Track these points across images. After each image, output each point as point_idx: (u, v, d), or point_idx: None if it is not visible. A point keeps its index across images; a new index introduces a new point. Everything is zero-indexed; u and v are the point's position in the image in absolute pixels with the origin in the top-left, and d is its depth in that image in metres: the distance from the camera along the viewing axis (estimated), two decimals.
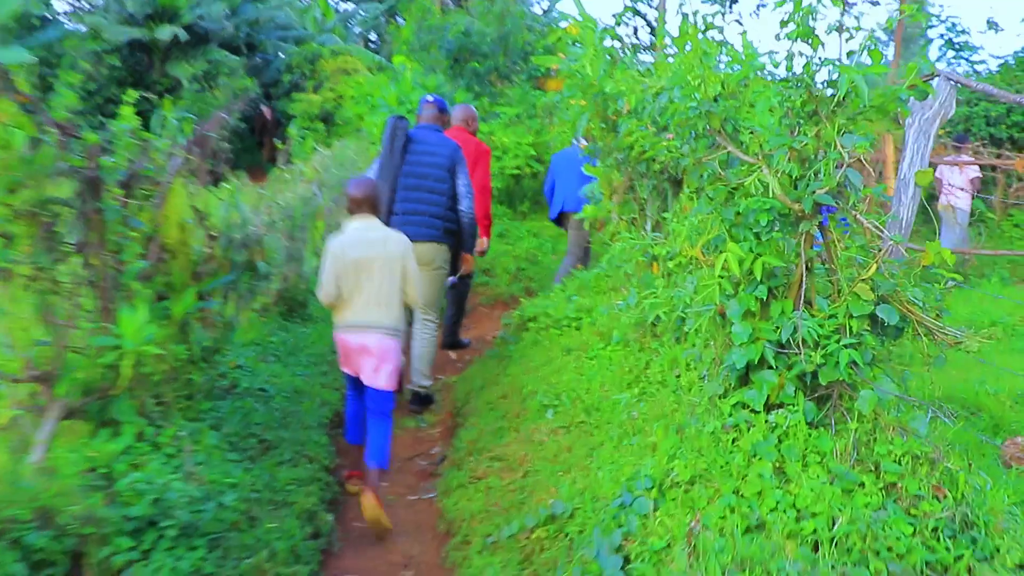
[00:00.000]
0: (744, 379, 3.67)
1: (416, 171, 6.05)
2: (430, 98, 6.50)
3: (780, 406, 3.54)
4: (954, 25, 17.89)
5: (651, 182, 5.39)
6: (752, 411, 3.55)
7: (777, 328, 3.52)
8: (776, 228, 3.45)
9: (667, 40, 6.74)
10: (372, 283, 4.61)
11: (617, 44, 6.20)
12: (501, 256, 11.06)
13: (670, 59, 5.21)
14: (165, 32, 18.58)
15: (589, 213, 6.40)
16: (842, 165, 3.27)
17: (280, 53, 22.88)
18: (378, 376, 4.72)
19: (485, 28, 13.31)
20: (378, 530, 4.49)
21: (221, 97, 18.58)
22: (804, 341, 3.42)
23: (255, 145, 21.23)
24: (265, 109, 20.65)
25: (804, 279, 3.54)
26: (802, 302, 3.59)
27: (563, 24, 14.02)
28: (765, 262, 3.45)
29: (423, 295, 5.49)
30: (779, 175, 3.31)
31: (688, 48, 4.03)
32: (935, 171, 10.46)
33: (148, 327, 3.78)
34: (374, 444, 4.70)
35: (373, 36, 29.22)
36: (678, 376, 4.41)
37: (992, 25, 19.00)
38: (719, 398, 3.66)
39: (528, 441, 4.97)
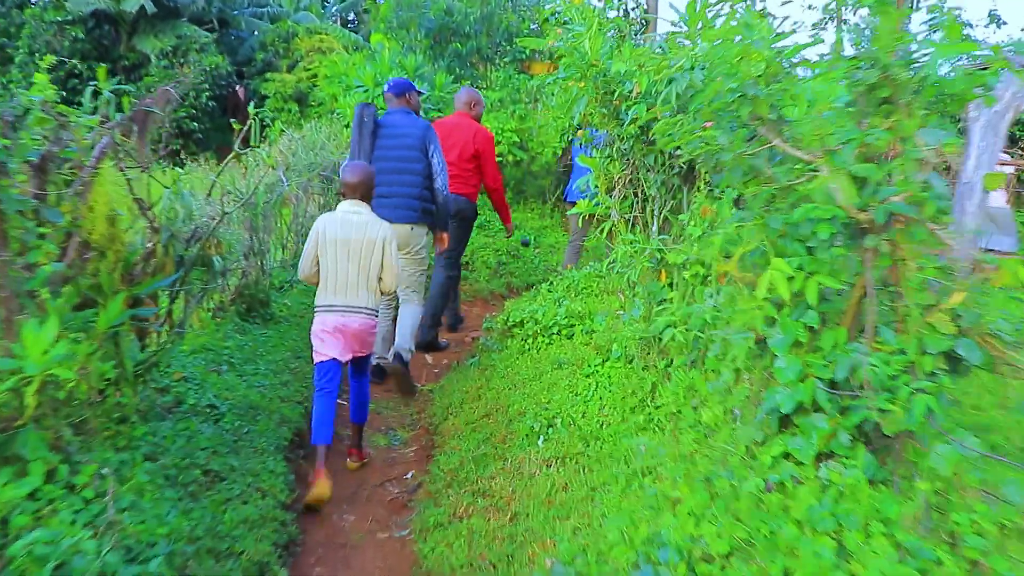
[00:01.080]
0: (785, 420, 3.02)
1: (389, 154, 6.02)
2: (386, 86, 6.42)
3: (830, 455, 2.90)
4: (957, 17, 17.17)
5: (659, 176, 4.71)
6: (798, 462, 2.90)
7: (830, 363, 2.87)
8: (837, 242, 2.79)
9: (665, 19, 5.99)
10: (351, 264, 4.70)
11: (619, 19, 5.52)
12: (480, 249, 10.37)
13: (682, 40, 4.51)
14: (131, 3, 17.63)
15: (582, 208, 5.71)
16: (923, 166, 2.61)
17: (254, 31, 22.03)
18: (362, 348, 4.86)
19: (468, 7, 12.54)
20: (317, 494, 4.46)
21: (191, 74, 17.71)
22: (865, 381, 2.77)
23: (227, 125, 20.37)
24: (239, 88, 19.79)
25: (864, 304, 2.88)
26: (858, 332, 2.95)
27: (550, 4, 13.31)
28: (820, 283, 2.78)
29: (404, 277, 6.04)
30: (844, 177, 2.64)
31: (719, 22, 3.36)
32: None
33: (60, 344, 3.06)
34: (356, 402, 5.00)
35: (351, 16, 28.35)
36: (696, 408, 3.74)
37: (995, 19, 18.32)
38: (758, 446, 3.00)
39: (516, 473, 4.30)
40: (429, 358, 7.36)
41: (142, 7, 17.56)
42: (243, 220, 6.34)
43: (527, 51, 12.79)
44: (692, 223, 4.01)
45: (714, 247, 3.05)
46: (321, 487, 4.43)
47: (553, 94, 12.08)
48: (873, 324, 2.85)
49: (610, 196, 5.73)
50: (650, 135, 4.22)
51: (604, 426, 4.36)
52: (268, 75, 18.45)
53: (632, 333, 4.69)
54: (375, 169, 5.59)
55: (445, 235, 6.38)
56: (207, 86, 18.00)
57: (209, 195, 5.04)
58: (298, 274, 4.92)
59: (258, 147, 5.56)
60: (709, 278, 3.95)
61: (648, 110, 4.32)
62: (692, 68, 3.79)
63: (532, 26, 13.54)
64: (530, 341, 5.95)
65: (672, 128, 3.03)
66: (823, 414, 2.86)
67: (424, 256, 6.28)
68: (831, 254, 2.74)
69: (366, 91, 10.97)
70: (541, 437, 4.51)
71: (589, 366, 4.96)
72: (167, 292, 4.77)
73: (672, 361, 4.43)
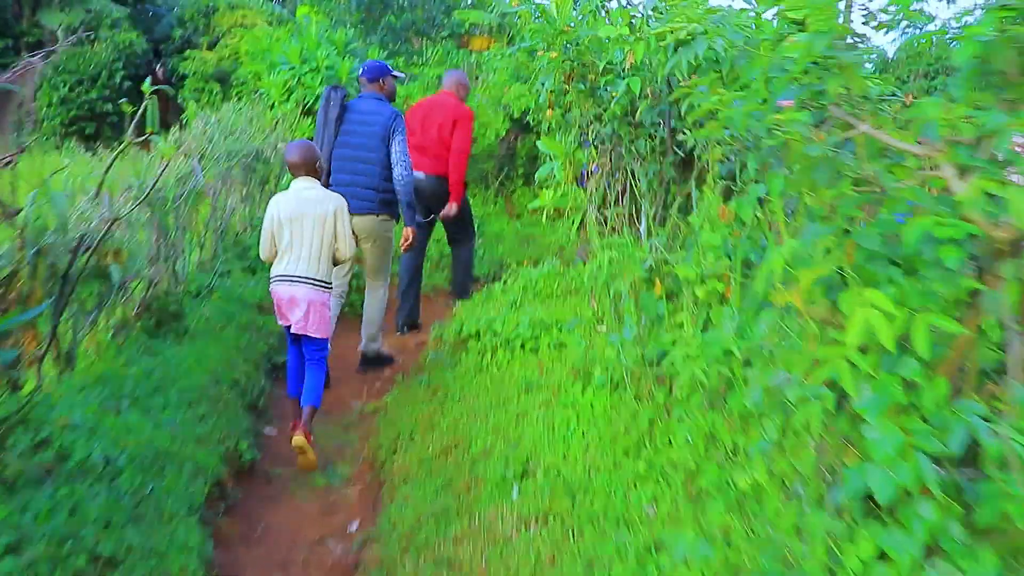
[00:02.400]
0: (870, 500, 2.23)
1: (350, 141, 5.82)
2: (361, 69, 6.16)
3: (937, 550, 2.11)
4: None
5: (651, 167, 3.88)
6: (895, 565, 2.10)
7: (939, 431, 2.07)
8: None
9: None
10: (303, 239, 4.73)
11: None
12: None
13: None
14: None
15: (546, 202, 4.86)
16: None
17: (172, 6, 20.60)
18: (308, 324, 4.78)
19: None
20: (305, 464, 4.66)
21: (102, 52, 16.36)
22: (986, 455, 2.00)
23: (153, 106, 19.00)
24: (158, 68, 18.44)
25: (975, 350, 2.10)
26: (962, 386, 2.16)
27: None
28: (932, 324, 1.98)
29: (368, 264, 6.01)
30: (972, 180, 1.83)
31: None
32: None
33: None
34: (308, 387, 4.86)
35: None
36: (723, 467, 2.92)
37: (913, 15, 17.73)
38: (836, 539, 2.19)
39: (488, 536, 3.45)
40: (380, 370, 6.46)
41: None
42: (150, 219, 5.34)
43: (466, 25, 11.85)
44: (705, 227, 3.18)
45: (771, 267, 2.22)
46: (297, 440, 4.58)
47: (495, 70, 11.20)
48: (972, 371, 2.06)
49: (582, 187, 4.90)
50: (678, 114, 3.37)
51: (593, 473, 3.52)
52: (187, 53, 17.16)
53: (621, 355, 3.87)
54: (334, 156, 5.78)
55: (409, 229, 5.97)
56: (120, 65, 16.64)
57: (98, 193, 4.05)
58: (260, 257, 4.99)
59: (157, 132, 4.59)
60: (727, 297, 3.13)
61: (642, 83, 3.47)
62: (706, 32, 2.96)
63: None
64: (488, 356, 5.09)
65: (722, 107, 2.18)
66: (930, 498, 2.07)
67: (388, 245, 6.04)
68: (956, 286, 1.93)
69: (291, 69, 9.93)
70: (515, 487, 3.66)
71: (567, 393, 4.12)
72: (50, 315, 3.83)
73: (672, 390, 3.62)
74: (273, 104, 10.05)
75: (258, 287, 6.84)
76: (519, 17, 12.33)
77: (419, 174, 6.60)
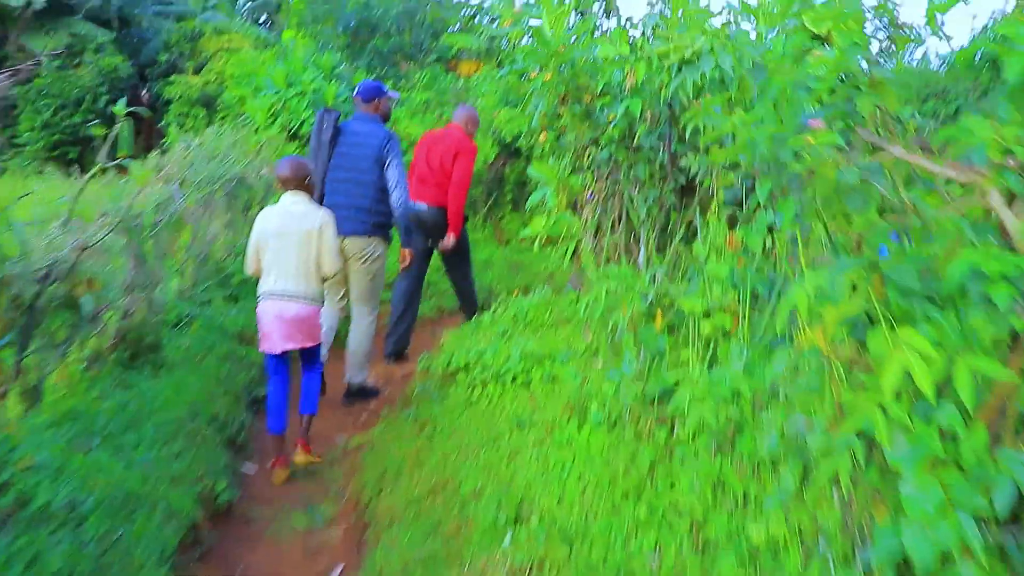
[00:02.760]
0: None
1: (343, 163, 5.78)
2: (356, 89, 6.10)
3: None
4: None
5: (651, 193, 3.68)
6: None
7: (981, 485, 1.87)
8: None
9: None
10: (289, 254, 4.69)
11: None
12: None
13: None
14: None
15: (538, 229, 4.66)
16: None
17: (158, 30, 20.40)
18: (303, 338, 4.80)
19: (388, 1, 11.37)
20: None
21: (87, 76, 16.15)
22: None
23: (132, 131, 18.78)
24: (144, 94, 18.23)
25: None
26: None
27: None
28: (976, 369, 1.78)
29: (355, 288, 5.87)
30: None
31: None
32: None
33: None
34: (304, 395, 4.96)
35: (263, 16, 26.79)
36: (733, 514, 2.70)
37: (938, 31, 17.68)
38: None
39: None
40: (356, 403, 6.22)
41: (29, 2, 15.90)
42: (127, 246, 5.12)
43: (454, 49, 11.71)
44: (711, 257, 2.98)
45: (791, 303, 2.02)
46: (279, 474, 4.75)
47: (483, 94, 11.05)
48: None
49: (575, 212, 4.70)
50: (686, 139, 3.17)
51: (591, 518, 3.30)
52: (173, 77, 16.95)
53: (620, 392, 3.66)
54: (328, 177, 5.72)
55: (407, 251, 6.10)
56: (105, 89, 16.42)
57: (68, 219, 3.84)
58: (245, 271, 4.96)
59: (137, 156, 4.43)
60: (737, 332, 2.93)
61: (643, 105, 3.28)
62: (712, 50, 2.77)
63: (460, 19, 12.44)
64: (478, 390, 4.86)
65: (741, 130, 1.98)
66: (973, 562, 1.86)
67: (379, 269, 5.94)
68: (1004, 326, 1.73)
69: (277, 92, 9.75)
70: (508, 533, 3.43)
71: (561, 430, 3.90)
72: (15, 349, 3.61)
73: (674, 430, 3.41)
74: (258, 128, 9.86)
75: (240, 316, 6.61)
76: (508, 40, 12.22)
77: (421, 205, 6.63)
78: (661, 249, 3.91)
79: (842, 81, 1.83)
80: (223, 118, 13.02)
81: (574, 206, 4.79)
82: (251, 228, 4.90)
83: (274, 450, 4.84)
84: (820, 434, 2.08)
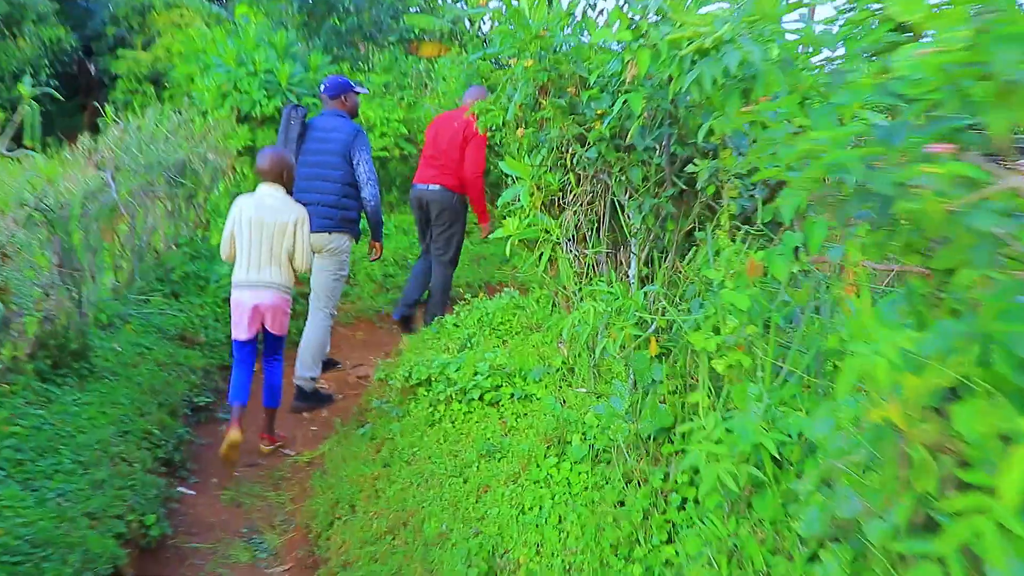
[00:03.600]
0: None
1: (310, 159, 5.70)
2: (322, 85, 5.99)
3: None
4: None
5: (648, 200, 3.21)
6: None
7: None
8: None
9: None
10: (262, 245, 4.70)
11: None
12: (363, 258, 8.67)
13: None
14: None
15: (510, 230, 4.18)
16: None
17: (106, 3, 19.46)
18: (272, 325, 4.85)
19: None
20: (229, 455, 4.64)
21: (27, 48, 15.28)
22: None
23: (77, 108, 17.85)
24: (92, 67, 17.41)
25: None
26: None
27: None
28: None
29: (317, 283, 5.76)
30: None
31: None
32: None
33: None
34: (267, 385, 4.97)
35: None
36: None
37: None
38: None
39: None
40: (306, 413, 5.70)
41: None
42: (49, 241, 4.54)
43: (416, 30, 11.13)
44: (726, 282, 2.52)
45: (862, 367, 1.56)
46: (232, 435, 4.58)
47: (444, 78, 10.50)
48: None
49: (548, 214, 4.23)
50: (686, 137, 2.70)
51: None
52: (120, 52, 16.16)
53: (607, 428, 3.20)
54: (298, 174, 5.45)
55: (378, 244, 6.06)
56: (47, 62, 15.58)
57: None
58: (221, 255, 4.93)
59: (65, 140, 3.87)
60: (759, 374, 2.47)
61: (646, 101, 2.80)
62: (732, 40, 2.31)
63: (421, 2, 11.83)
64: (442, 408, 4.37)
65: (816, 150, 1.51)
66: None
67: (342, 265, 5.80)
68: None
69: (228, 72, 9.10)
70: None
71: (538, 466, 3.43)
72: None
73: (668, 474, 2.95)
74: (206, 110, 9.22)
75: (181, 315, 6.05)
76: (471, 21, 11.66)
77: (423, 186, 6.61)
78: (647, 262, 3.44)
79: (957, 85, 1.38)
80: (171, 97, 12.34)
81: (551, 206, 4.31)
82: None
83: (233, 416, 4.69)
84: (887, 529, 1.64)
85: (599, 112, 3.33)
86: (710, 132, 2.70)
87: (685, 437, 2.70)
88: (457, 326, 5.67)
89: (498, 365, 4.42)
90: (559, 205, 4.25)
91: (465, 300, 6.14)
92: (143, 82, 15.84)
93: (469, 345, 5.24)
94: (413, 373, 4.62)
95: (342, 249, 5.73)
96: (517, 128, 3.91)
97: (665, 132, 3.13)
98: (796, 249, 2.41)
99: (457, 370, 4.47)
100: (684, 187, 3.15)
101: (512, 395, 4.23)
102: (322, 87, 5.93)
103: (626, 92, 2.86)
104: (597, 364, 3.58)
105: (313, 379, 5.72)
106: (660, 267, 3.27)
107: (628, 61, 2.64)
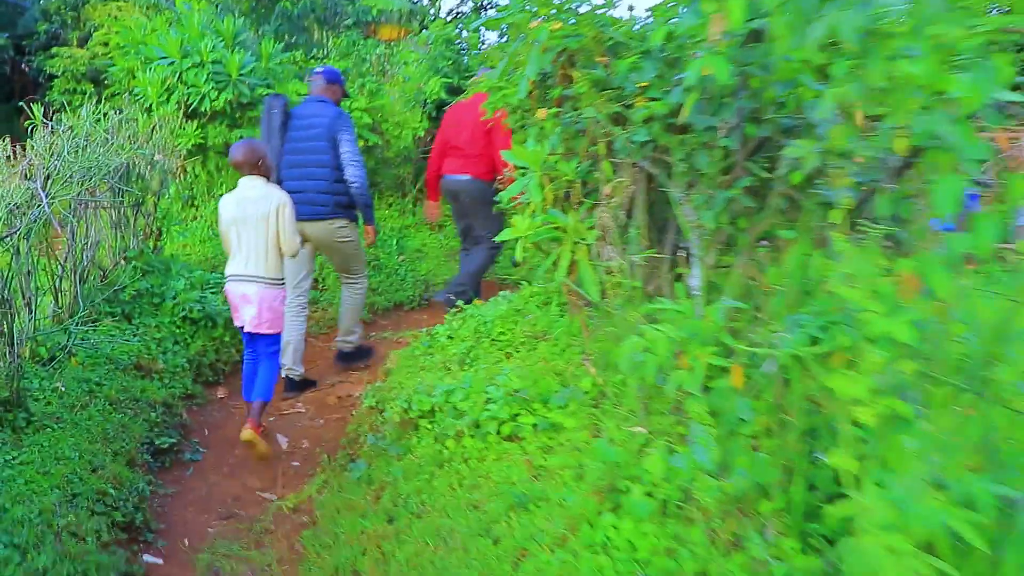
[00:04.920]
0: None
1: (296, 147, 5.58)
2: (319, 68, 5.89)
3: None
4: None
5: (720, 193, 2.53)
6: None
7: None
8: None
9: None
10: (248, 238, 4.60)
11: None
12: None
13: None
14: None
15: (522, 232, 3.49)
16: None
17: None
18: (261, 322, 4.68)
19: None
20: (255, 452, 4.56)
21: None
22: None
23: (14, 112, 16.74)
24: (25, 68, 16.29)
25: None
26: None
27: None
28: None
29: (336, 264, 5.95)
30: None
31: None
32: None
33: None
34: (260, 382, 4.73)
35: None
36: None
37: None
38: None
39: None
40: (284, 442, 4.97)
41: None
42: None
43: (373, 11, 10.32)
44: (869, 303, 1.84)
45: None
46: (245, 434, 4.46)
47: (406, 63, 9.73)
48: None
49: (562, 211, 3.55)
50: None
51: None
52: (55, 50, 15.13)
53: (675, 477, 2.53)
54: (283, 163, 5.52)
55: (370, 228, 5.89)
56: None
57: None
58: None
59: None
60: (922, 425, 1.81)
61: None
62: None
63: None
64: (451, 444, 3.67)
65: None
66: None
67: (352, 244, 5.75)
68: None
69: (172, 64, 8.25)
70: None
71: (590, 524, 2.75)
72: None
73: (768, 536, 2.29)
74: (151, 106, 8.37)
75: (135, 340, 5.27)
76: (430, 1, 10.89)
77: (455, 176, 6.57)
78: (712, 268, 2.76)
79: None
80: (114, 96, 11.41)
81: (566, 200, 3.62)
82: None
83: (248, 414, 4.64)
84: None
85: (641, 85, 2.65)
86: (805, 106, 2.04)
87: (828, 511, 2.03)
88: (451, 338, 4.98)
89: (513, 389, 3.73)
90: (578, 199, 3.57)
91: (456, 307, 5.45)
92: (82, 81, 14.86)
93: (468, 361, 4.55)
94: (413, 403, 3.91)
95: (344, 233, 5.64)
96: (537, 109, 3.21)
97: (736, 107, 2.46)
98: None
99: (465, 398, 3.77)
100: (764, 174, 2.48)
101: (535, 426, 3.55)
102: (318, 70, 5.83)
103: (706, 54, 2.16)
104: (649, 395, 2.91)
105: (352, 342, 5.96)
106: (730, 275, 2.60)
107: (715, 15, 1.96)
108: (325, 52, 10.12)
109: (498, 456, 3.50)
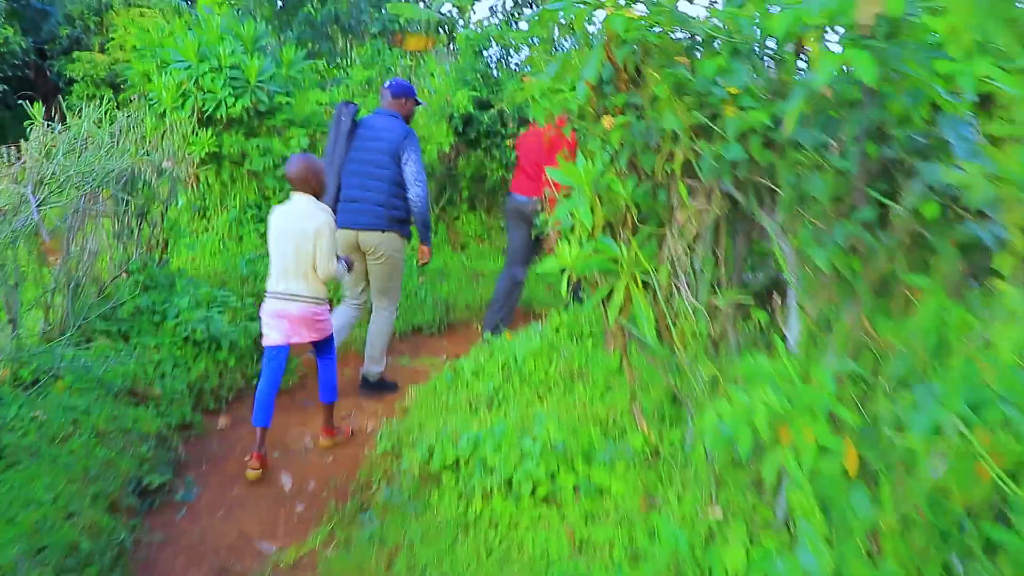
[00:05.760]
0: None
1: (359, 156, 5.59)
2: (387, 83, 5.86)
3: None
4: None
5: (839, 228, 2.01)
6: None
7: None
8: None
9: None
10: (286, 253, 4.48)
11: None
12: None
13: None
14: None
15: (566, 262, 2.99)
16: None
17: (62, 2, 18.03)
18: (311, 333, 4.58)
19: None
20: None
21: None
22: None
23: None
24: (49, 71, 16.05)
25: None
26: None
27: None
28: None
29: (374, 283, 5.69)
30: None
31: None
32: None
33: None
34: (322, 382, 4.77)
35: None
36: None
37: None
38: None
39: None
40: (288, 482, 4.47)
41: None
42: None
43: (400, 20, 9.88)
44: None
45: None
46: (249, 473, 4.37)
47: (432, 74, 9.27)
48: None
49: (615, 238, 3.05)
50: None
51: None
52: (76, 55, 14.86)
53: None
54: (345, 171, 5.55)
55: (426, 247, 5.84)
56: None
57: None
58: None
59: None
60: None
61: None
62: None
63: None
64: (478, 505, 3.15)
65: None
66: None
67: (396, 264, 5.65)
68: None
69: (188, 68, 7.82)
70: None
71: None
72: None
73: None
74: (165, 110, 7.93)
75: (131, 362, 4.79)
76: (460, 12, 10.45)
77: (525, 198, 6.47)
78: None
79: None
80: (130, 100, 11.02)
81: (620, 227, 3.13)
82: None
83: (255, 443, 4.45)
84: None
85: (732, 92, 2.15)
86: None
87: None
88: (476, 374, 4.47)
89: (550, 442, 3.21)
90: (630, 224, 3.07)
91: (481, 337, 4.95)
92: (101, 86, 14.59)
93: (497, 402, 4.04)
94: (435, 454, 3.40)
95: (394, 249, 5.56)
96: (598, 117, 2.71)
97: (856, 120, 1.95)
98: None
99: (496, 449, 3.26)
100: (891, 205, 1.97)
101: (576, 488, 3.03)
102: (387, 84, 5.81)
103: (843, 43, 1.65)
104: (719, 474, 2.39)
105: (379, 372, 5.75)
106: (838, 328, 2.08)
107: None
108: (349, 60, 9.68)
109: (533, 522, 2.98)
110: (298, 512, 4.18)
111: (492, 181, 9.11)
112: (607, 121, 2.55)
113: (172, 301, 5.44)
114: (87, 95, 14.15)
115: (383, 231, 5.48)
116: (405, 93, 5.76)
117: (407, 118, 5.77)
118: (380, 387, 5.79)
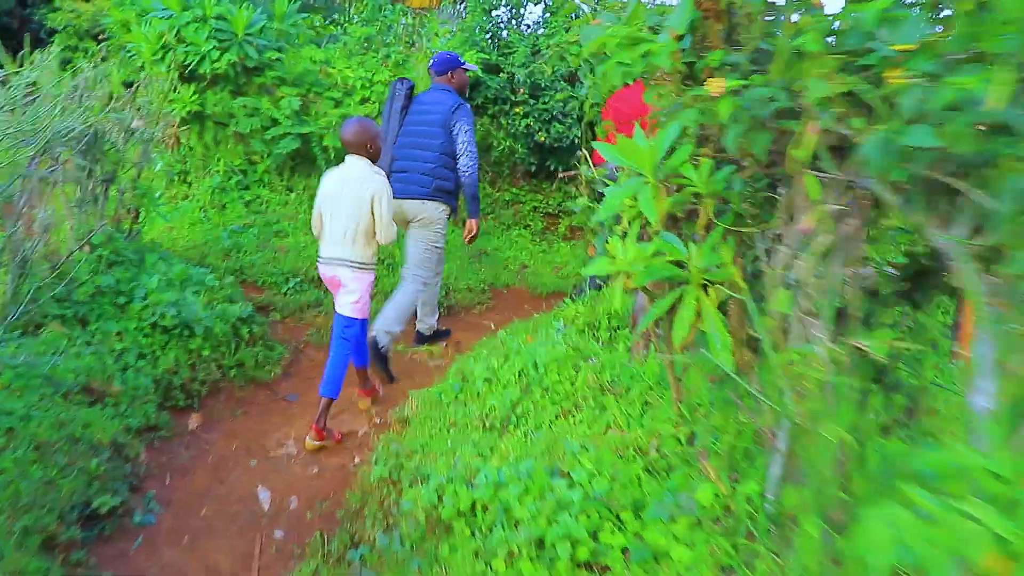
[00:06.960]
0: None
1: (412, 129, 5.56)
2: (430, 62, 5.77)
3: None
4: None
5: None
6: None
7: None
8: None
9: None
10: (341, 219, 4.33)
11: None
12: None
13: None
14: None
15: (623, 264, 2.33)
16: None
17: None
18: (344, 304, 4.42)
19: None
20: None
21: None
22: None
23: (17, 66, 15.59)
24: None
25: None
26: None
27: None
28: None
29: (411, 254, 5.59)
30: None
31: None
32: None
33: None
34: (328, 372, 4.35)
35: None
36: None
37: None
38: None
39: None
40: (266, 499, 3.79)
41: None
42: None
43: None
44: None
45: None
46: (309, 443, 4.26)
47: (436, 34, 8.52)
48: None
49: (683, 234, 2.39)
50: None
51: None
52: (57, 3, 14.04)
53: None
54: (397, 143, 5.55)
55: (473, 222, 5.70)
56: None
57: None
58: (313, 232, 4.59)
59: None
60: None
61: None
62: None
63: None
64: (501, 568, 2.48)
65: None
66: None
67: (437, 237, 5.56)
68: None
69: (170, 17, 7.05)
70: None
71: None
72: None
73: None
74: (143, 64, 7.18)
75: (88, 353, 4.10)
76: None
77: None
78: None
79: None
80: (106, 52, 10.20)
81: (683, 221, 2.46)
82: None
83: (318, 413, 4.29)
84: None
85: (901, 48, 1.47)
86: None
87: None
88: (489, 380, 3.80)
89: (588, 492, 2.54)
90: (707, 221, 2.39)
91: (490, 328, 4.28)
92: (84, 37, 13.78)
93: (515, 419, 3.37)
94: (445, 496, 2.72)
95: (436, 219, 5.50)
96: (696, 80, 2.01)
97: None
98: None
99: (523, 493, 2.59)
100: None
101: (626, 551, 2.37)
102: (429, 64, 5.77)
103: None
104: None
105: (388, 333, 5.31)
106: None
107: None
108: (348, 17, 8.90)
109: None
110: (277, 540, 3.51)
111: (498, 151, 8.39)
112: (715, 85, 1.85)
113: (140, 280, 4.74)
114: (70, 47, 13.36)
115: (424, 199, 5.42)
116: (449, 66, 5.70)
117: (460, 90, 5.72)
118: (379, 362, 5.27)
